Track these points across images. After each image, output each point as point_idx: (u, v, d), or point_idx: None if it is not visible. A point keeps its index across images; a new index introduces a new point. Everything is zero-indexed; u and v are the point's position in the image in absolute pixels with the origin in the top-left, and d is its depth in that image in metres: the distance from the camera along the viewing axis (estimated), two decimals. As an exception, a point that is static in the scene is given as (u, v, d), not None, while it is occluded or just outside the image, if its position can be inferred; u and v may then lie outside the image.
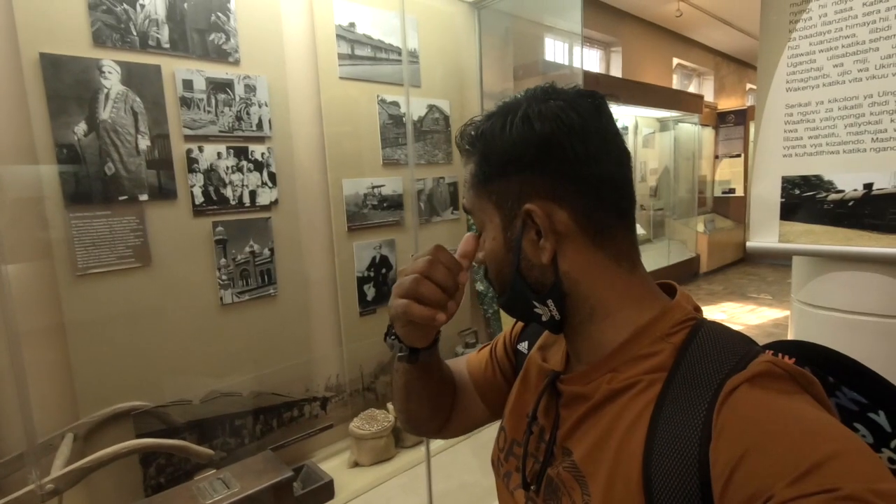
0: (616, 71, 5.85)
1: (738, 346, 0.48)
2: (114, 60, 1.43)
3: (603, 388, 0.52)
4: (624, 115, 5.77)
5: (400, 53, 2.10)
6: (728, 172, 7.12)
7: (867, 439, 0.47)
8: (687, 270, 6.30)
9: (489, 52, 2.53)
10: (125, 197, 1.48)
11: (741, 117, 6.87)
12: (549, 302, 0.53)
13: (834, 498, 0.33)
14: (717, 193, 7.21)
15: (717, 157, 7.22)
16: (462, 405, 0.76)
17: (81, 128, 1.39)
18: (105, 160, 1.44)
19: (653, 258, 5.83)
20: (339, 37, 1.92)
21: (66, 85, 1.37)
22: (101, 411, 1.46)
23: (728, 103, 7.53)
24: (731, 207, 7.09)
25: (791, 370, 0.44)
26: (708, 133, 7.06)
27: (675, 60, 6.73)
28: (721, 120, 7.10)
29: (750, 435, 0.40)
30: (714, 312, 4.83)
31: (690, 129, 6.66)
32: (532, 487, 0.57)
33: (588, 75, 4.69)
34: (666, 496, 0.43)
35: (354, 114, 2.00)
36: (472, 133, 0.55)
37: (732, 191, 7.07)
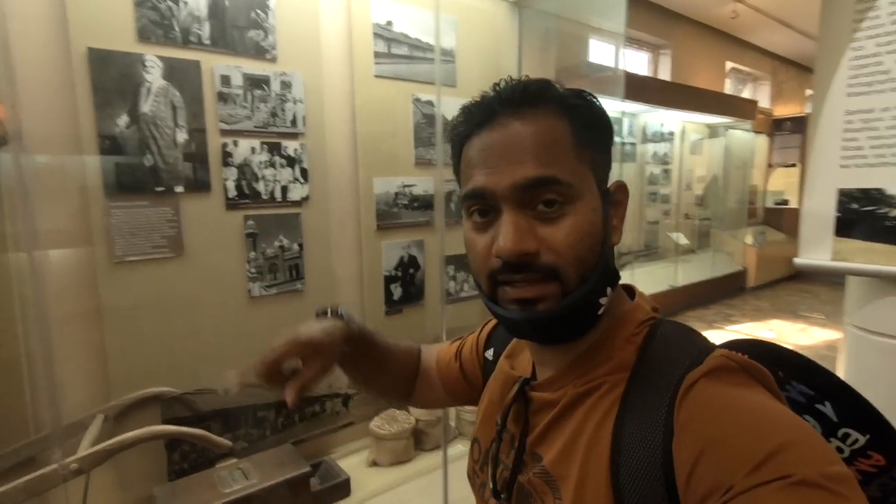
0: (664, 74, 5.65)
1: (694, 343, 0.49)
2: (156, 56, 1.48)
3: (570, 392, 0.52)
4: (670, 119, 5.56)
5: (441, 53, 2.08)
6: (782, 183, 6.75)
7: (816, 429, 0.48)
8: (732, 284, 6.01)
9: (530, 52, 2.48)
10: (162, 188, 1.52)
11: (799, 125, 6.50)
12: (608, 289, 0.51)
13: (788, 484, 0.34)
14: (769, 204, 6.85)
15: (770, 166, 6.86)
16: (426, 383, 0.80)
17: (123, 120, 1.44)
18: (144, 152, 1.48)
19: (695, 270, 5.59)
20: (376, 35, 1.92)
21: (111, 79, 1.42)
22: (131, 395, 1.51)
23: (785, 110, 7.14)
24: (784, 220, 6.72)
25: (744, 363, 0.45)
26: (762, 141, 6.72)
27: (729, 64, 6.43)
28: (777, 127, 6.74)
29: (709, 429, 0.41)
30: (760, 330, 4.58)
31: (743, 136, 6.35)
32: (503, 496, 0.56)
33: (633, 78, 4.54)
34: (634, 494, 0.44)
35: (388, 112, 1.99)
36: (551, 89, 0.49)
37: (785, 202, 6.70)
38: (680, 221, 5.90)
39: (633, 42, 5.46)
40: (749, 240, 6.29)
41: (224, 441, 1.34)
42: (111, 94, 1.42)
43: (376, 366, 0.74)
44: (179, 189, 1.55)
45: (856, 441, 0.47)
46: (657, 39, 5.54)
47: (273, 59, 1.69)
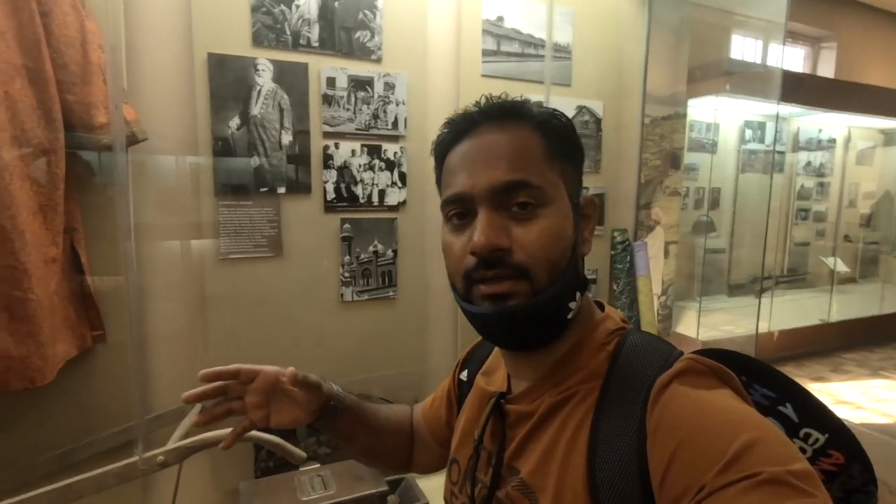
0: (827, 70, 4.83)
1: (662, 349, 0.52)
2: (268, 59, 1.51)
3: (546, 401, 0.53)
4: (832, 124, 4.72)
5: (556, 49, 1.91)
6: None
7: (780, 430, 0.48)
8: (908, 324, 4.92)
9: (659, 48, 2.20)
10: (265, 189, 1.55)
11: None
12: (578, 294, 0.54)
13: (756, 482, 0.36)
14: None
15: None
16: (422, 445, 0.80)
17: (235, 122, 1.49)
18: (251, 153, 1.52)
19: (856, 303, 4.66)
20: (485, 31, 1.81)
21: (227, 82, 1.47)
22: (227, 388, 1.55)
23: None
24: None
25: (711, 366, 0.47)
26: (959, 150, 5.44)
27: (916, 57, 5.32)
28: (983, 133, 5.41)
29: (680, 431, 0.42)
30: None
31: (932, 144, 5.19)
32: None
33: (788, 76, 3.91)
34: (612, 499, 0.45)
35: (494, 114, 1.87)
36: (526, 106, 0.55)
37: None
38: (838, 244, 4.98)
39: (787, 36, 4.74)
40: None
41: (299, 452, 1.31)
42: (226, 97, 1.48)
43: (371, 433, 0.76)
44: (282, 190, 1.57)
45: (816, 440, 0.48)
46: (818, 31, 4.75)
47: (378, 60, 1.66)
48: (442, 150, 0.58)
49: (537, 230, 0.50)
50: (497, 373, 0.66)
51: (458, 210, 0.53)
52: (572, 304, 0.53)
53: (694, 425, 0.42)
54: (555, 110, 0.56)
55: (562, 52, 1.95)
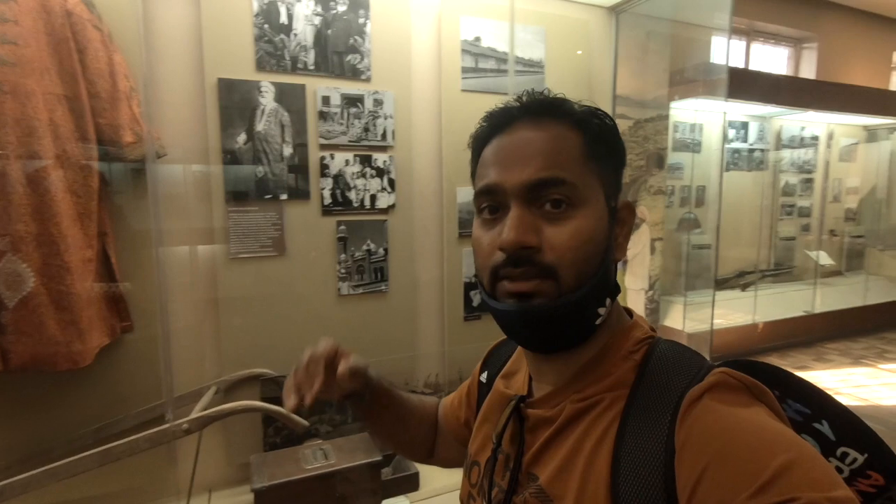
0: (808, 71, 4.99)
1: (693, 360, 0.50)
2: (270, 82, 1.72)
3: (567, 408, 0.52)
4: (814, 122, 4.88)
5: (528, 65, 2.11)
6: (970, 195, 5.53)
7: (816, 448, 0.47)
8: (893, 314, 5.06)
9: (627, 60, 2.39)
10: (269, 196, 1.75)
11: None
12: (608, 301, 0.52)
13: None
14: (951, 221, 5.65)
15: (954, 175, 5.66)
16: (443, 440, 0.80)
17: (241, 137, 1.70)
18: (257, 164, 1.72)
19: (840, 295, 4.81)
20: (464, 51, 2.00)
21: (234, 103, 1.68)
22: (238, 373, 1.75)
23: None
24: (972, 240, 5.49)
25: (745, 381, 0.45)
26: (942, 145, 5.58)
27: (898, 55, 5.47)
28: (964, 128, 5.54)
29: (711, 448, 0.40)
30: (925, 372, 3.80)
31: (914, 139, 5.34)
32: None
33: (765, 78, 4.09)
34: None
35: (473, 124, 2.05)
36: (566, 104, 0.53)
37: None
38: (823, 238, 5.13)
39: (769, 37, 4.91)
40: (920, 263, 5.26)
41: (301, 421, 1.50)
42: (234, 116, 1.68)
43: (397, 420, 0.76)
44: (284, 196, 1.77)
45: (854, 460, 0.46)
46: (800, 32, 4.91)
47: (368, 80, 1.86)
48: (478, 143, 0.57)
49: (569, 231, 0.49)
50: (517, 375, 0.65)
51: (490, 203, 0.53)
52: (601, 311, 0.51)
53: (726, 443, 0.40)
54: (597, 109, 0.54)
55: (536, 66, 2.14)
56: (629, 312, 0.58)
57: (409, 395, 0.79)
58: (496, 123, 0.54)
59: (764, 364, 0.50)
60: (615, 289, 0.54)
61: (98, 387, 1.58)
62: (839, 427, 0.46)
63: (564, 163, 0.50)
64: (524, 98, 0.54)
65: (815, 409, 0.48)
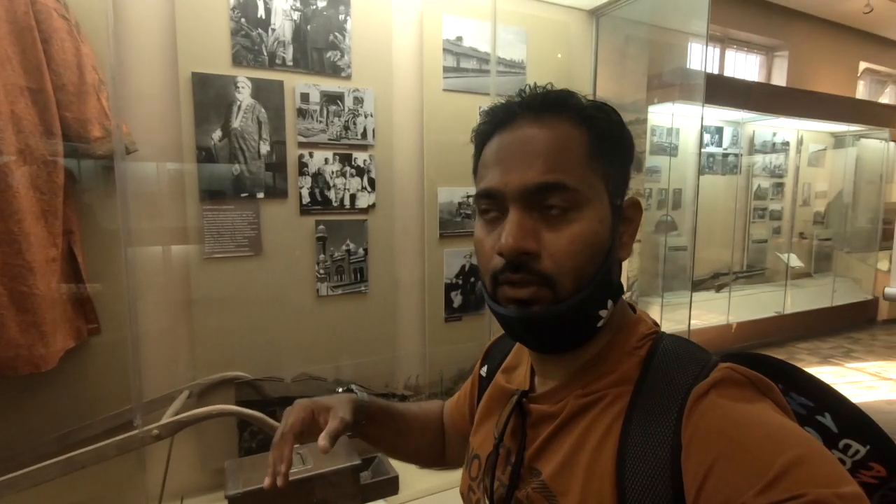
0: (780, 79, 5.13)
1: (698, 355, 0.50)
2: (247, 77, 1.67)
3: (570, 404, 0.52)
4: (784, 128, 5.02)
5: (510, 65, 2.11)
6: (930, 200, 5.77)
7: (818, 440, 0.47)
8: (858, 315, 5.25)
9: (606, 63, 2.41)
10: (246, 194, 1.71)
11: (954, 133, 5.52)
12: (609, 302, 0.52)
13: (802, 503, 0.34)
14: (911, 225, 5.88)
15: (914, 180, 5.90)
16: (451, 440, 0.80)
17: (217, 134, 1.65)
18: (232, 162, 1.68)
19: (810, 296, 4.97)
20: (445, 50, 1.99)
21: (209, 98, 1.63)
22: (212, 376, 1.70)
23: (937, 115, 6.11)
24: (932, 244, 5.72)
25: (751, 376, 0.45)
26: (903, 151, 5.81)
27: (863, 65, 5.68)
28: (924, 136, 5.78)
29: (718, 444, 0.41)
30: (891, 371, 3.94)
31: (878, 146, 5.55)
32: None
33: (737, 84, 4.19)
34: None
35: (455, 124, 2.05)
36: (570, 98, 0.52)
37: (932, 223, 5.71)
38: (793, 241, 5.29)
39: (742, 45, 5.04)
40: (884, 265, 5.45)
41: (277, 425, 1.46)
42: (209, 111, 1.63)
43: (398, 434, 0.76)
44: (260, 195, 1.73)
45: (857, 452, 0.46)
46: (771, 41, 5.06)
47: (348, 77, 1.83)
48: (480, 140, 0.55)
49: (568, 236, 0.48)
50: (518, 369, 0.64)
51: (490, 206, 0.52)
52: (602, 312, 0.51)
53: (733, 439, 0.40)
54: (603, 104, 0.53)
55: (517, 67, 2.14)
56: (632, 307, 0.57)
57: (407, 406, 0.79)
58: (498, 121, 0.53)
59: (768, 357, 0.50)
60: (618, 289, 0.53)
61: (63, 392, 1.52)
62: (842, 419, 0.47)
63: (566, 164, 0.48)
64: (525, 93, 0.53)
65: (817, 402, 0.48)
